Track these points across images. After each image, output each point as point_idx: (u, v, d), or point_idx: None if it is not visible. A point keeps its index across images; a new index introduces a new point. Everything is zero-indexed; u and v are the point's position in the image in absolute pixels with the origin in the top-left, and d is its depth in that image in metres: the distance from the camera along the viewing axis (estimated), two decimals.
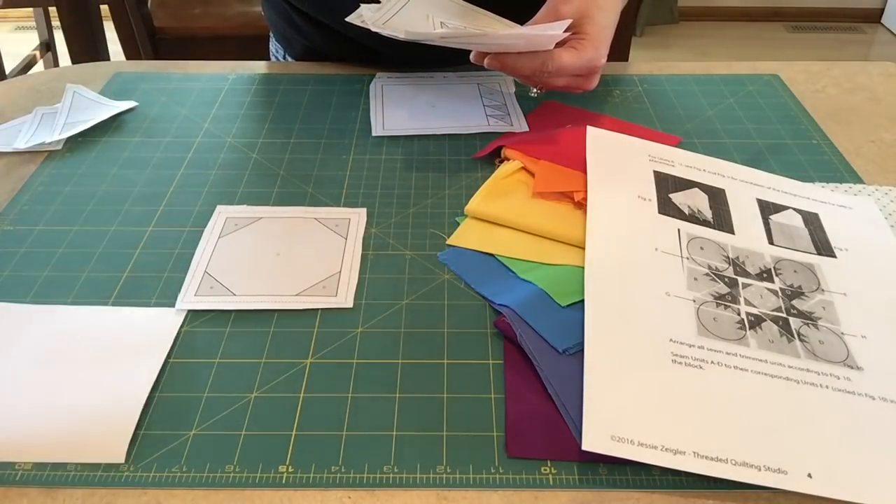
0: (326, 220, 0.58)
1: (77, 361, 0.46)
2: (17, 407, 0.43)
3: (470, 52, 0.66)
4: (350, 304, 0.51)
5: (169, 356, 0.47)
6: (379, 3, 0.68)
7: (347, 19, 0.66)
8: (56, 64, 2.13)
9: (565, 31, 0.63)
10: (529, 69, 0.63)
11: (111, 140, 0.69)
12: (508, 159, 0.64)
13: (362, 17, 0.66)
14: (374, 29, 0.64)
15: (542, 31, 0.62)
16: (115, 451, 0.41)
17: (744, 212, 0.58)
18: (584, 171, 0.60)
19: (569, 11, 0.64)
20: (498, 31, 0.65)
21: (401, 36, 0.62)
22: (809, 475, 0.39)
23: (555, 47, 0.63)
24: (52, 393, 0.44)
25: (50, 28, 2.11)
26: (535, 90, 0.70)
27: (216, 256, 0.55)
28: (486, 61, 0.64)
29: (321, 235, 0.56)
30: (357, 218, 0.58)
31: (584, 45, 0.63)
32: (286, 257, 0.54)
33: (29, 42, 2.13)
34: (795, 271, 0.53)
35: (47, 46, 2.11)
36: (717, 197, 0.59)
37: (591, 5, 0.64)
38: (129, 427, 0.42)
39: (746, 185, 0.61)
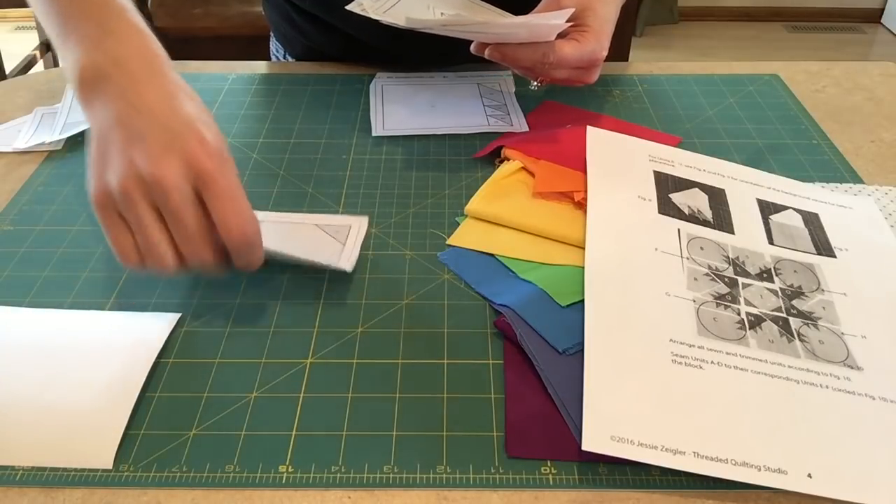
0: (327, 226, 0.58)
1: (66, 367, 0.46)
2: (5, 411, 0.43)
3: (470, 43, 0.65)
4: (350, 269, 0.52)
5: (168, 356, 0.47)
6: None
7: (347, 7, 0.66)
8: (56, 64, 2.13)
9: (567, 22, 0.62)
10: (530, 60, 0.63)
11: None
12: (508, 159, 0.64)
13: (362, 5, 0.66)
14: (373, 17, 0.63)
15: (544, 21, 0.61)
16: (102, 457, 0.41)
17: (744, 212, 0.58)
18: (584, 171, 0.60)
19: (570, 2, 0.64)
20: (499, 20, 0.64)
21: (401, 23, 0.61)
22: (809, 475, 0.39)
23: (556, 39, 0.62)
24: (41, 398, 0.44)
25: None
26: (535, 83, 0.70)
27: None
28: (486, 52, 0.64)
29: (320, 240, 0.56)
30: (358, 225, 0.58)
31: (585, 37, 0.63)
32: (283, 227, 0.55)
33: (29, 42, 2.13)
34: (795, 271, 0.53)
35: (47, 46, 2.11)
36: (717, 197, 0.59)
37: None
38: (116, 433, 0.42)
39: (746, 185, 0.61)
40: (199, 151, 0.45)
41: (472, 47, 0.65)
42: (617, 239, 0.54)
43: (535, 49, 0.62)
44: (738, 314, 0.49)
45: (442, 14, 0.68)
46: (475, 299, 0.51)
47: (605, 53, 0.64)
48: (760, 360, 0.46)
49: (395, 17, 0.64)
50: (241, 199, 0.46)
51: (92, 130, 0.47)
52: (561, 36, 0.63)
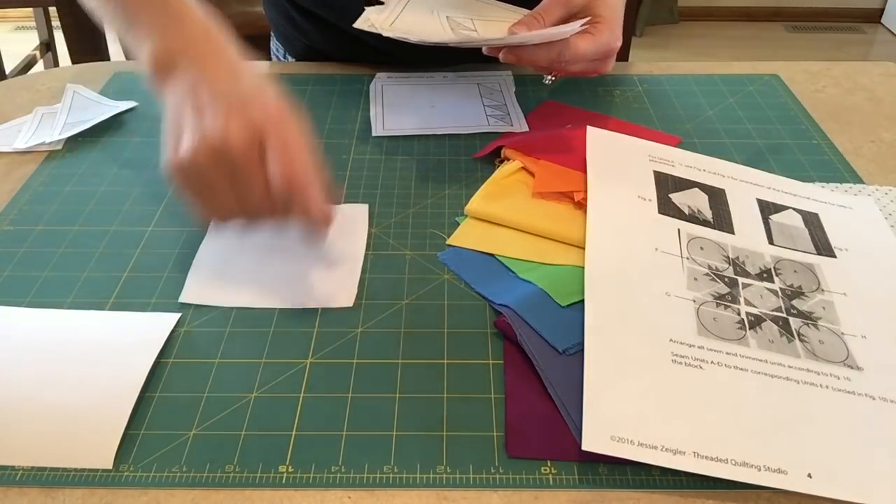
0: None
1: (66, 366, 0.46)
2: (5, 411, 0.43)
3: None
4: (350, 304, 0.51)
5: (168, 356, 0.47)
6: (382, 2, 0.68)
7: (356, 25, 0.66)
8: (56, 64, 2.12)
9: (577, 16, 0.63)
10: (546, 59, 0.63)
11: (111, 140, 0.69)
12: (508, 159, 0.64)
13: (370, 21, 0.66)
14: (385, 34, 0.63)
15: (558, 31, 0.62)
16: (102, 457, 0.41)
17: (744, 212, 0.58)
18: (584, 171, 0.60)
19: None
20: (514, 34, 0.64)
21: (412, 39, 0.62)
22: (809, 475, 0.39)
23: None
24: (41, 398, 0.44)
25: (50, 28, 2.11)
26: (549, 77, 0.69)
27: (217, 254, 0.55)
28: (501, 55, 0.64)
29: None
30: (361, 215, 0.58)
31: (599, 28, 0.63)
32: (288, 255, 0.54)
33: (29, 42, 2.13)
34: (795, 271, 0.53)
35: (47, 46, 2.11)
36: (717, 197, 0.59)
37: None
38: (116, 433, 0.42)
39: (746, 185, 0.61)
40: (258, 113, 0.48)
41: (485, 50, 0.65)
42: (617, 239, 0.54)
43: (550, 48, 0.62)
44: (738, 314, 0.49)
45: (448, 18, 0.68)
46: (475, 299, 0.51)
47: (619, 43, 0.64)
48: (760, 360, 0.46)
49: (404, 31, 0.64)
50: (294, 150, 0.48)
51: (167, 111, 0.51)
52: None
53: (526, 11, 0.67)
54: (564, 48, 0.62)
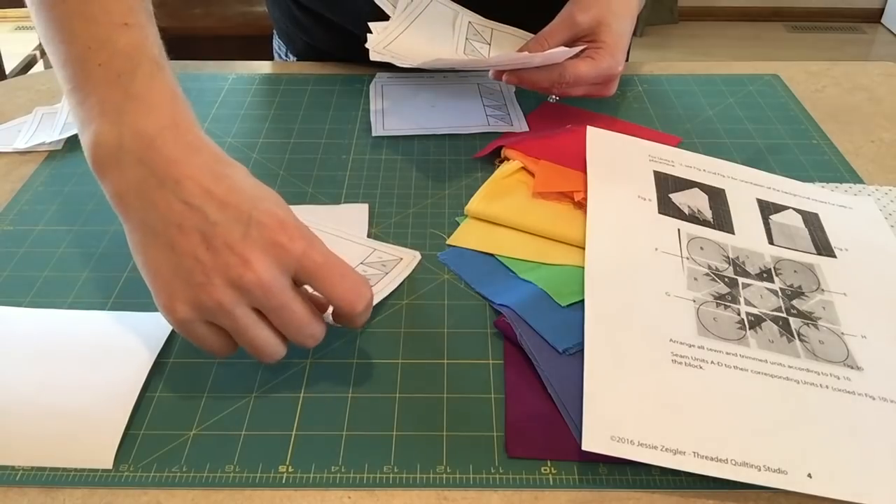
0: (328, 217, 0.58)
1: (66, 366, 0.46)
2: (5, 411, 0.43)
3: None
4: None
5: (168, 356, 0.47)
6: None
7: (372, 58, 0.67)
8: None
9: (582, 40, 0.65)
10: (547, 81, 0.65)
11: None
12: (508, 159, 0.64)
13: (380, 47, 0.67)
14: (398, 63, 0.64)
15: (552, 53, 0.64)
16: (102, 457, 0.41)
17: (744, 212, 0.58)
18: (584, 171, 0.60)
19: (585, 20, 0.65)
20: (509, 55, 0.67)
21: (415, 64, 0.63)
22: (809, 475, 0.39)
23: (572, 56, 0.65)
24: (41, 398, 0.44)
25: None
26: (553, 98, 0.72)
27: None
28: (504, 77, 0.67)
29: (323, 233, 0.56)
30: (361, 215, 0.58)
31: (600, 53, 0.65)
32: None
33: (29, 42, 2.14)
34: (795, 271, 0.53)
35: None
36: (717, 197, 0.59)
37: (608, 13, 0.65)
38: (116, 433, 0.42)
39: (746, 185, 0.61)
40: (284, 239, 0.40)
41: (490, 74, 0.69)
42: (617, 239, 0.54)
43: (551, 71, 0.65)
44: (738, 314, 0.49)
45: (469, 23, 0.70)
46: (475, 299, 0.51)
47: (620, 68, 0.66)
48: (760, 360, 0.46)
49: (404, 52, 0.66)
50: (345, 269, 0.42)
51: (131, 228, 0.41)
52: (577, 53, 0.65)
53: (527, 33, 0.70)
54: (564, 71, 0.64)
